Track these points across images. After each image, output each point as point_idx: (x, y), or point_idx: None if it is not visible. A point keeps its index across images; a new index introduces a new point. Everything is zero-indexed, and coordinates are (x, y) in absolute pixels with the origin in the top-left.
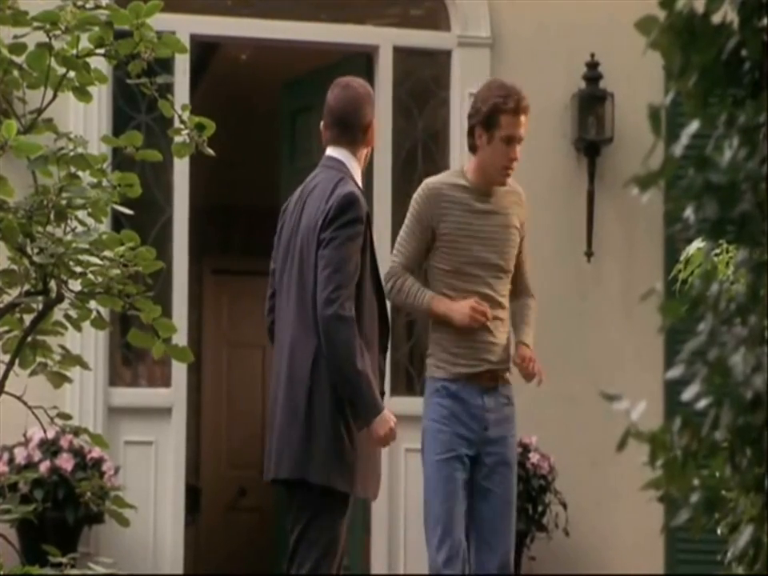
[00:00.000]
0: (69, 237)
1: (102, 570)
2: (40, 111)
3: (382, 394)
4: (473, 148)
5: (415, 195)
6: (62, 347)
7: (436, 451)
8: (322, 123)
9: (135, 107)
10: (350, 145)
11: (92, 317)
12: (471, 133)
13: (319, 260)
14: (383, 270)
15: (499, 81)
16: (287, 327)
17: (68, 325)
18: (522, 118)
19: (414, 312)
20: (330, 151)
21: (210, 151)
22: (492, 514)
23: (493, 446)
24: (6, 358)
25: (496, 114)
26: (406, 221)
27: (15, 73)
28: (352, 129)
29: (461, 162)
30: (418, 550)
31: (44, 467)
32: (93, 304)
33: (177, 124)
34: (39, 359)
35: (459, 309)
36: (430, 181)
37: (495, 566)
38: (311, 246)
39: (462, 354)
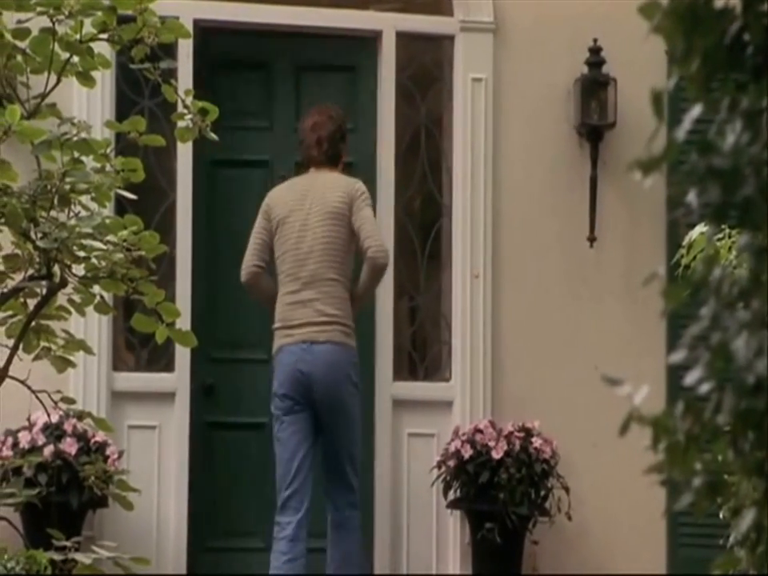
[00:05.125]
0: (72, 221)
1: (105, 554)
2: (44, 96)
3: None
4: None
5: (364, 189)
6: (66, 332)
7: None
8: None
9: (138, 92)
10: None
11: (95, 301)
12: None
13: None
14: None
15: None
16: None
17: (71, 309)
18: None
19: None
20: None
21: (213, 136)
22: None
23: None
24: (10, 342)
25: None
26: (369, 210)
27: (19, 58)
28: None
29: (463, 147)
30: (420, 548)
31: (48, 451)
32: (96, 288)
33: (180, 109)
34: (43, 344)
35: None
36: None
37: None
38: None
39: None
